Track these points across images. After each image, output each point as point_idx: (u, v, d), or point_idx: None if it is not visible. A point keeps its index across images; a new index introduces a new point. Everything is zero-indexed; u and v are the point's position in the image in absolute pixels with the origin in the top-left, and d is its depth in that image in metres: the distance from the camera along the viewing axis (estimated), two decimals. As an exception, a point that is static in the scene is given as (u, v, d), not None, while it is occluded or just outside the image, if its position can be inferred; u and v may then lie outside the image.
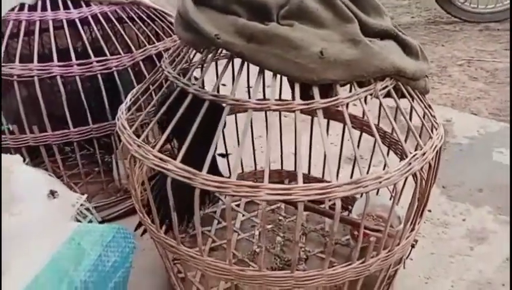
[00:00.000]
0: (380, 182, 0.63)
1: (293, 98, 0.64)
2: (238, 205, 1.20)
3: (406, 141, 0.71)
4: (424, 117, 0.76)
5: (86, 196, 0.63)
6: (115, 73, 1.00)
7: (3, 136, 0.97)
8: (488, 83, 2.00)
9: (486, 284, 0.98)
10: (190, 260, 0.73)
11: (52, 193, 0.60)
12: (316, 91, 0.63)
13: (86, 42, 0.99)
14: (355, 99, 0.66)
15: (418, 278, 1.00)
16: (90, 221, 0.63)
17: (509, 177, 1.27)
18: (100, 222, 0.63)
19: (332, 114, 1.06)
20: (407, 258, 0.92)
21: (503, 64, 2.19)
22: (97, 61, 0.98)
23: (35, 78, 0.93)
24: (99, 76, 0.98)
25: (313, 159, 1.17)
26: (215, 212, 1.17)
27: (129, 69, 1.02)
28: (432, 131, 0.74)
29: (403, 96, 0.76)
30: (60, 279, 0.53)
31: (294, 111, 0.63)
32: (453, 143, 1.49)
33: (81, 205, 0.63)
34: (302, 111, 0.63)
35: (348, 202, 1.14)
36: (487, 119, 1.66)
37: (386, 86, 0.70)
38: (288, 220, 1.15)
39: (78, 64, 0.96)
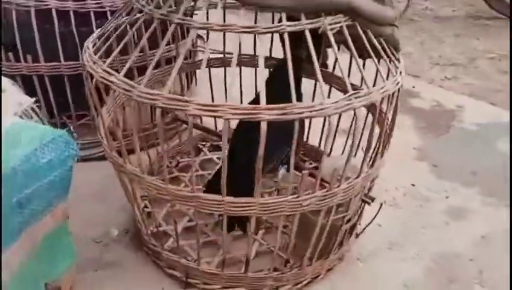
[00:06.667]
0: (311, 112, 0.62)
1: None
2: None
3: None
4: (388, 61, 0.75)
5: (35, 98, 0.66)
6: (108, 13, 1.05)
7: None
8: (517, 77, 1.88)
9: (452, 258, 0.94)
10: (134, 179, 0.76)
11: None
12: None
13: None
14: (297, 29, 0.65)
15: (383, 244, 0.97)
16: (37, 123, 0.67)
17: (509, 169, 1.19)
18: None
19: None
20: (370, 222, 0.89)
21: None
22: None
23: (32, 9, 1.00)
24: (91, 13, 1.03)
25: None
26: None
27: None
28: (387, 78, 0.73)
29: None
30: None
31: (283, 33, 0.65)
32: (458, 127, 1.43)
33: (31, 108, 0.67)
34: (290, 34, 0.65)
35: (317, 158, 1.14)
36: (501, 110, 1.57)
37: (338, 22, 0.69)
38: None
39: (73, 0, 1.02)
